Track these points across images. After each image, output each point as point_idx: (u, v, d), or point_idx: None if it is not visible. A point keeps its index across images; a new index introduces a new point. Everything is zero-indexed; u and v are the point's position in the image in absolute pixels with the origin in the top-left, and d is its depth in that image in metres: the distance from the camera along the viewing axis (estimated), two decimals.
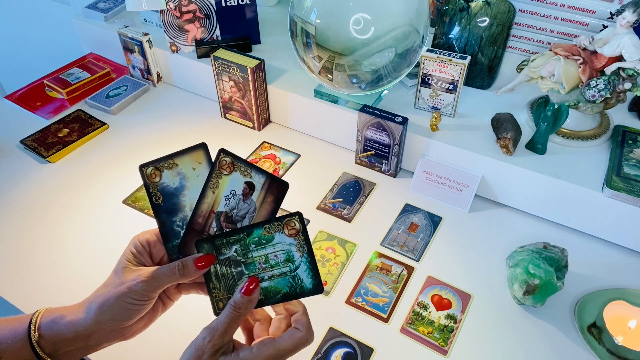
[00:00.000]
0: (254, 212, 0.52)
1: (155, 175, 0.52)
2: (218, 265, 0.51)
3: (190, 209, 0.52)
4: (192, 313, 0.73)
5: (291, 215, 0.50)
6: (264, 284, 0.50)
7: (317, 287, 0.50)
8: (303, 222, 0.50)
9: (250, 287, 0.48)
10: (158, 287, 0.49)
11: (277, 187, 0.51)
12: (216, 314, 0.52)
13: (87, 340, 0.49)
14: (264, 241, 0.50)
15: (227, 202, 0.52)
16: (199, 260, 0.50)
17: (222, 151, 0.51)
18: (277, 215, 0.52)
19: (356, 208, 0.92)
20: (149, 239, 0.53)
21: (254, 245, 0.50)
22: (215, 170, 0.52)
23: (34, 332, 0.48)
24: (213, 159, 0.52)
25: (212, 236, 0.51)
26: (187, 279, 0.50)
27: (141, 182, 0.96)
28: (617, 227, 0.83)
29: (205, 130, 1.10)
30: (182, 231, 0.53)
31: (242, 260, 0.50)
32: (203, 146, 0.53)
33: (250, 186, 0.52)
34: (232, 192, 0.52)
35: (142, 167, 0.52)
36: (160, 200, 0.53)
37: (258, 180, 0.51)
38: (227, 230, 0.52)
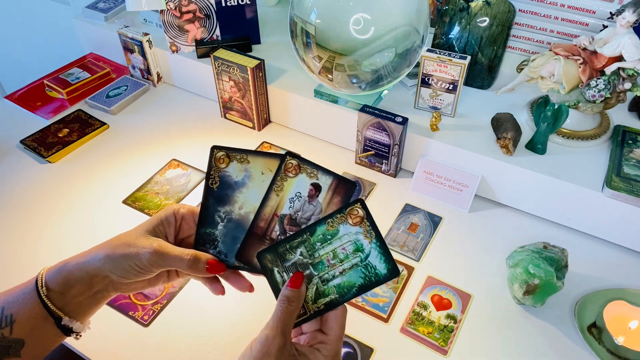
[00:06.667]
0: (319, 213, 0.50)
1: (223, 161, 0.52)
2: (285, 273, 0.49)
3: (240, 207, 0.52)
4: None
5: (353, 203, 0.48)
6: (336, 281, 0.48)
7: (393, 271, 0.48)
8: (366, 207, 0.48)
9: (295, 279, 0.48)
10: (163, 265, 0.49)
11: (344, 187, 0.50)
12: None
13: (91, 282, 0.49)
14: (329, 236, 0.48)
15: (292, 204, 0.50)
16: (211, 264, 0.50)
17: (289, 154, 0.51)
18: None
19: None
20: (185, 214, 0.53)
21: (319, 244, 0.48)
22: (281, 173, 0.50)
23: (42, 287, 0.48)
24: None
25: (273, 245, 0.49)
26: (192, 272, 0.50)
27: (141, 183, 0.97)
28: (617, 227, 0.83)
29: (206, 130, 1.10)
30: (222, 224, 0.52)
31: (309, 261, 0.48)
32: (283, 158, 0.52)
33: (316, 187, 0.50)
34: (297, 194, 0.50)
35: (215, 148, 0.52)
36: (215, 185, 0.52)
37: (324, 182, 0.50)
38: (290, 233, 0.50)
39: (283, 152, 0.51)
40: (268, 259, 0.49)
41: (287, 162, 0.50)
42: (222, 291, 0.53)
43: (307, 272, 0.48)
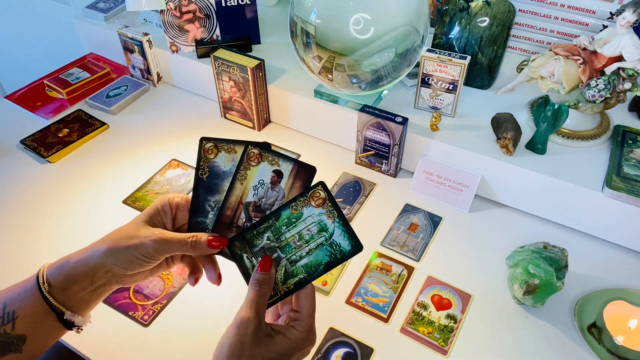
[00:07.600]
0: (282, 198, 0.52)
1: (212, 152, 0.53)
2: (253, 258, 0.51)
3: None
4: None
5: (314, 186, 0.50)
6: (303, 262, 0.50)
7: (356, 246, 0.50)
8: (327, 189, 0.50)
9: (264, 263, 0.50)
10: (167, 251, 0.50)
11: (305, 172, 0.51)
12: None
13: (93, 278, 0.50)
14: (294, 219, 0.50)
15: (256, 191, 0.52)
16: (212, 240, 0.51)
17: (250, 143, 0.52)
18: None
19: (356, 208, 0.92)
20: (179, 202, 0.54)
21: (285, 227, 0.50)
22: (244, 163, 0.52)
23: (44, 284, 0.49)
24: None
25: (241, 232, 0.51)
26: (196, 254, 0.52)
27: (141, 183, 0.97)
28: (617, 227, 0.83)
29: (206, 130, 1.10)
30: (212, 212, 0.53)
31: (277, 245, 0.50)
32: (245, 149, 0.54)
33: (278, 174, 0.52)
34: (261, 181, 0.52)
35: (203, 140, 0.53)
36: (205, 176, 0.53)
37: (285, 168, 0.52)
38: (256, 219, 0.52)
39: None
40: (237, 246, 0.51)
41: (249, 152, 0.52)
42: (218, 279, 0.54)
43: (275, 255, 0.51)
